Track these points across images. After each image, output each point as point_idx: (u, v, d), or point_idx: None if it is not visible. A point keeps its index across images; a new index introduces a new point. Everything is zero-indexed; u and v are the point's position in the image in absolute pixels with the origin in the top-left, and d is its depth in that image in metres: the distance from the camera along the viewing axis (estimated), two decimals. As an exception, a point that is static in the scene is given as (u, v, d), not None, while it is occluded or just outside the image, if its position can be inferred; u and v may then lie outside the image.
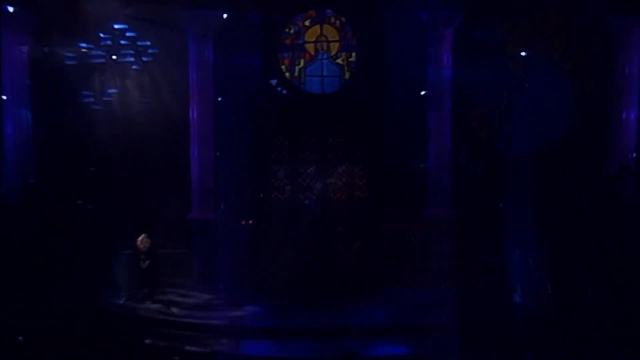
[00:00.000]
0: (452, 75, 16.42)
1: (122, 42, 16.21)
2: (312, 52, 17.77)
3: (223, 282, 16.06)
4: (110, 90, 16.75)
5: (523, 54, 16.92)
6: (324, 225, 16.80)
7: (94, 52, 16.28)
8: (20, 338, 10.45)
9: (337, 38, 17.73)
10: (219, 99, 17.03)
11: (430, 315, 14.25)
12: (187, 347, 12.41)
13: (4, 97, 15.72)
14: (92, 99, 16.73)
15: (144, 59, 16.60)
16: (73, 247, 14.33)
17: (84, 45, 16.18)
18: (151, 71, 16.85)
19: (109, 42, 16.18)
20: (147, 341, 12.23)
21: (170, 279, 16.09)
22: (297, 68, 17.78)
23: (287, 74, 17.75)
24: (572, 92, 16.55)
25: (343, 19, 17.71)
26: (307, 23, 17.77)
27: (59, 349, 10.36)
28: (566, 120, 16.57)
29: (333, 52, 17.77)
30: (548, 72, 16.68)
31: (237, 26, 16.96)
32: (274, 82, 17.48)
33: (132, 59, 16.49)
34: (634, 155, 16.29)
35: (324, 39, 17.77)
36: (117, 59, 16.42)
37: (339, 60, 17.79)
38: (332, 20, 17.75)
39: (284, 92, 17.55)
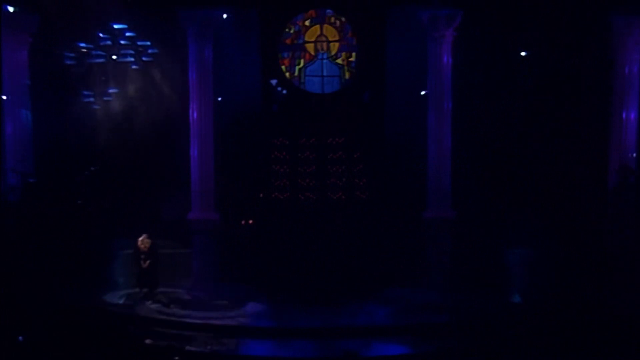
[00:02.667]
0: (452, 75, 16.42)
1: (122, 42, 16.21)
2: (312, 52, 17.77)
3: (223, 282, 16.07)
4: (110, 90, 16.75)
5: (523, 54, 16.93)
6: (323, 225, 16.82)
7: (94, 52, 16.28)
8: (21, 338, 10.43)
9: (337, 38, 17.72)
10: (219, 98, 17.05)
11: (430, 315, 14.27)
12: (187, 347, 12.41)
13: (4, 97, 15.72)
14: (92, 99, 16.73)
15: (144, 59, 16.61)
16: (73, 247, 14.33)
17: (84, 45, 16.19)
18: (151, 71, 16.84)
19: (109, 42, 16.19)
20: (147, 341, 12.22)
21: (170, 279, 16.09)
22: (297, 68, 17.77)
23: (287, 74, 17.73)
24: (572, 92, 16.54)
25: (343, 19, 17.70)
26: (307, 23, 17.76)
27: (59, 349, 10.34)
28: (566, 120, 16.57)
29: (333, 52, 17.76)
30: (548, 71, 16.67)
31: (237, 26, 16.99)
32: (274, 82, 17.47)
33: (132, 59, 16.49)
34: (634, 155, 16.28)
35: (324, 39, 17.76)
36: (117, 59, 16.42)
37: (339, 60, 17.78)
38: (332, 20, 17.73)
39: (284, 92, 17.54)
